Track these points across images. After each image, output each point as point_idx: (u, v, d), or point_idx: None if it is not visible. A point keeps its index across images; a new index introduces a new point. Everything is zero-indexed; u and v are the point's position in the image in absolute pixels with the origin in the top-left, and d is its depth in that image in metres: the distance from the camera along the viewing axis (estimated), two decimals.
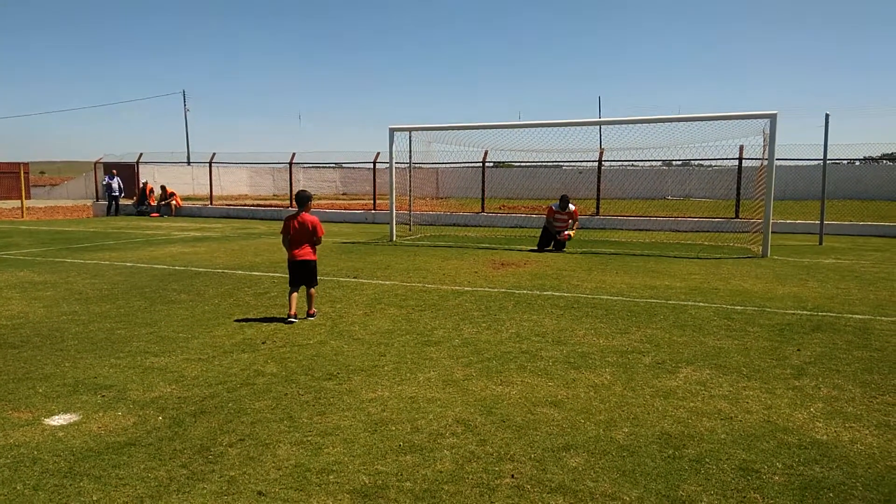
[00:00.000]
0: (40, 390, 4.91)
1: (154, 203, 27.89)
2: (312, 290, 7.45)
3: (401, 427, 4.22)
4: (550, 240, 14.52)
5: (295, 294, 7.38)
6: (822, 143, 15.35)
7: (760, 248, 13.58)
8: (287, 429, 4.19)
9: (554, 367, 5.54)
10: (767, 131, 13.75)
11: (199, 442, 3.98)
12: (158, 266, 11.58)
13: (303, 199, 7.48)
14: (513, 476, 3.55)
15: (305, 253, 7.40)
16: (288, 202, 27.46)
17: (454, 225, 21.68)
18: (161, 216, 26.79)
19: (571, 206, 14.65)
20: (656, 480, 3.51)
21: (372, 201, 26.16)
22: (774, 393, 4.92)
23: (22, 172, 28.62)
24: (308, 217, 7.38)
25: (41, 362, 5.63)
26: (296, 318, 7.21)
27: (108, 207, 27.95)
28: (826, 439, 4.06)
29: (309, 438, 4.03)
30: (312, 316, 7.37)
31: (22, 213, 26.47)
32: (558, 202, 14.70)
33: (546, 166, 32.18)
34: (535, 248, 14.58)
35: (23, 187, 27.67)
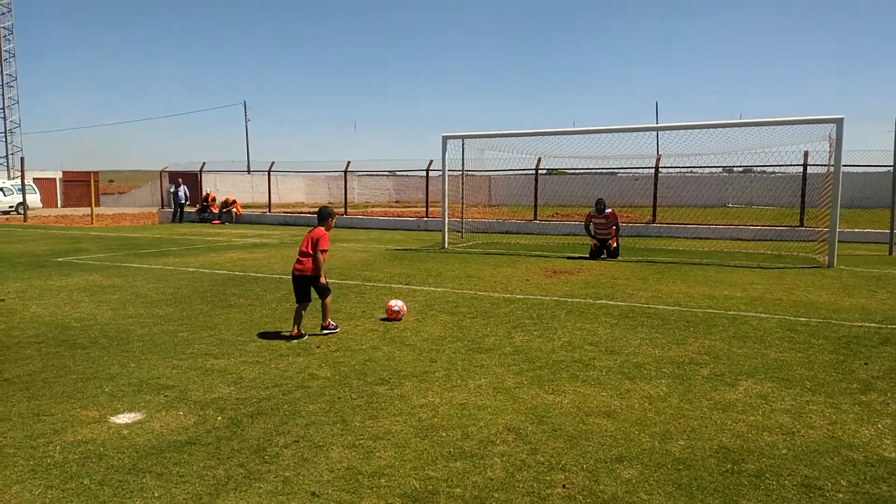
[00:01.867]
0: (107, 389, 5.12)
1: (216, 210, 28.77)
2: (325, 301, 6.95)
3: (451, 433, 4.23)
4: (602, 248, 14.32)
5: (301, 311, 6.90)
6: (893, 148, 14.69)
7: (826, 257, 13.05)
8: (340, 432, 4.25)
9: (607, 377, 5.46)
10: (833, 136, 13.25)
11: (255, 442, 4.08)
12: (219, 271, 11.94)
13: (322, 215, 7.04)
14: (564, 486, 3.51)
15: (304, 267, 6.84)
16: (342, 210, 27.93)
17: (506, 232, 21.61)
18: (222, 223, 27.62)
19: (608, 210, 14.37)
20: (713, 495, 3.41)
21: (424, 208, 26.34)
22: (840, 408, 4.72)
23: (92, 181, 29.93)
24: (317, 231, 6.88)
25: (108, 362, 5.87)
26: (300, 338, 6.75)
27: (174, 214, 28.97)
28: (894, 457, 3.88)
29: (361, 442, 4.09)
30: (328, 329, 6.98)
31: (91, 219, 27.69)
32: (594, 208, 14.48)
33: (601, 173, 31.77)
34: (588, 255, 14.40)
35: (92, 195, 28.94)
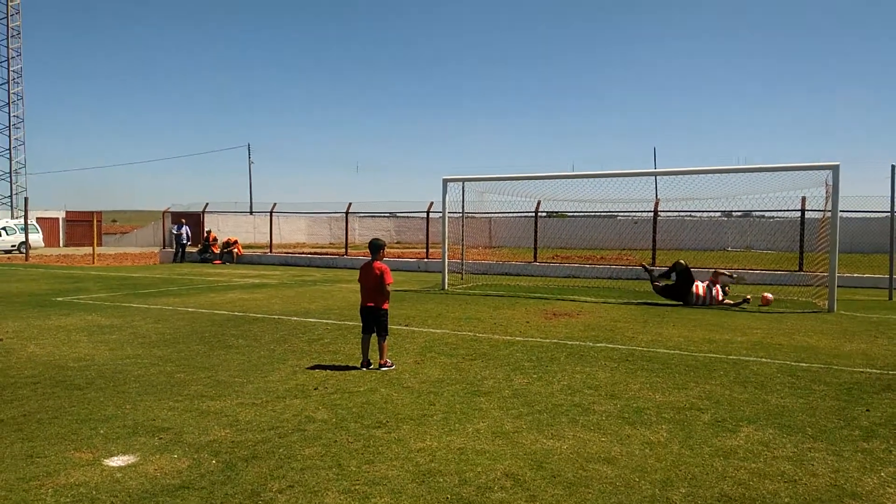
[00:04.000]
0: (101, 431, 5.07)
1: (217, 250, 28.86)
2: (383, 340, 7.41)
3: (449, 479, 4.18)
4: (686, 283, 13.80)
5: (368, 340, 7.42)
6: (889, 195, 14.82)
7: (826, 302, 13.04)
8: (335, 476, 4.20)
9: (607, 422, 5.40)
10: (830, 182, 13.38)
11: (249, 487, 4.03)
12: (218, 311, 11.92)
13: (375, 248, 7.53)
14: None
15: (373, 300, 7.38)
16: (343, 250, 28.01)
17: (506, 274, 21.63)
18: (223, 263, 27.67)
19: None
20: None
21: (425, 250, 26.41)
22: (842, 455, 4.67)
23: (95, 221, 30.12)
24: (378, 265, 7.40)
25: (104, 404, 5.83)
26: (370, 366, 7.28)
27: (175, 254, 29.05)
28: None
29: (357, 487, 4.03)
30: (384, 366, 7.27)
31: (93, 259, 27.76)
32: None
33: (600, 216, 31.96)
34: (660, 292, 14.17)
35: (95, 235, 29.12)
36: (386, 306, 7.44)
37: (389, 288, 7.41)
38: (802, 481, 4.19)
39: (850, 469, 4.41)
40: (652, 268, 15.68)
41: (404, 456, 4.58)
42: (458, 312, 12.08)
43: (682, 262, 14.19)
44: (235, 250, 28.54)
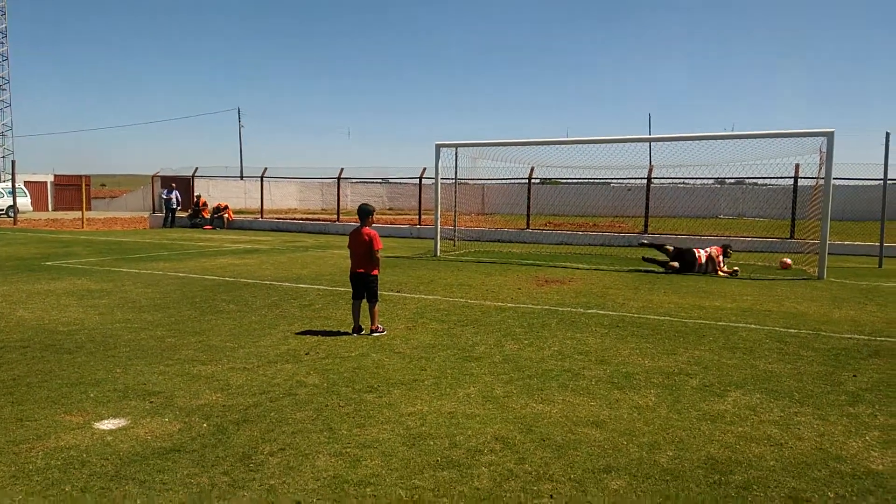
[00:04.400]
0: (92, 395, 5.07)
1: (207, 216, 28.68)
2: (373, 306, 7.38)
3: (439, 442, 4.21)
4: (688, 261, 13.58)
5: (358, 306, 7.41)
6: (883, 162, 14.82)
7: (816, 269, 13.11)
8: (326, 440, 4.22)
9: (597, 387, 5.44)
10: (824, 149, 13.34)
11: (241, 450, 4.04)
12: (209, 277, 11.88)
13: (363, 214, 7.45)
14: (551, 496, 3.49)
15: (362, 266, 7.35)
16: (335, 216, 27.89)
17: (499, 241, 21.63)
18: (214, 228, 27.52)
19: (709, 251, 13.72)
20: None
21: (417, 216, 26.34)
22: (828, 420, 4.72)
23: (83, 185, 29.80)
24: (367, 231, 7.33)
25: (94, 368, 5.82)
26: (361, 331, 7.29)
27: (165, 219, 28.84)
28: (882, 469, 3.88)
29: (348, 450, 4.05)
30: (376, 332, 7.28)
31: (82, 223, 27.55)
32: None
33: (594, 183, 31.89)
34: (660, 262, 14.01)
35: (84, 199, 28.81)
36: (375, 272, 7.40)
37: (379, 254, 7.38)
38: (788, 445, 4.24)
39: (835, 433, 4.46)
40: (652, 243, 15.33)
41: (395, 420, 4.60)
42: (450, 279, 12.08)
43: (668, 247, 14.15)
44: (226, 215, 28.35)
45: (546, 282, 11.86)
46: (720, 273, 13.46)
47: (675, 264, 13.58)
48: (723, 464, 3.93)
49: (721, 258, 13.66)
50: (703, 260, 13.56)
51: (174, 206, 28.84)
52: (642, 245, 15.57)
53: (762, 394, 5.32)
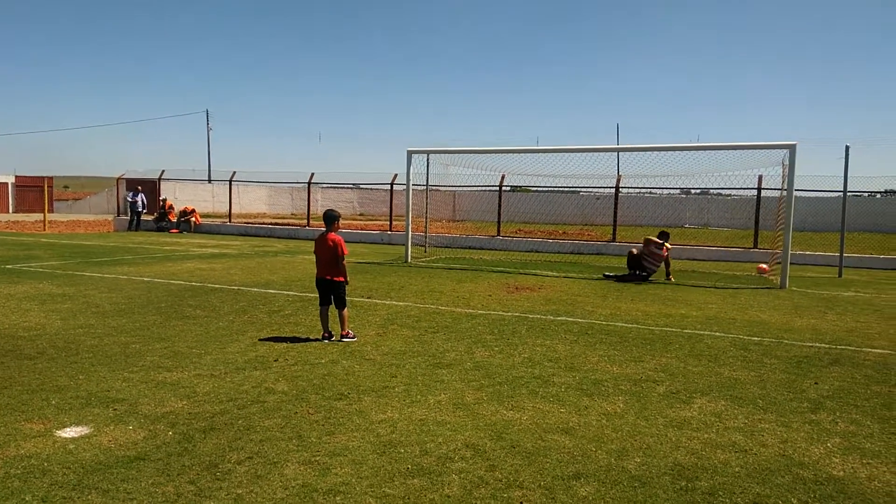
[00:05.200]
0: (53, 402, 4.94)
1: (174, 219, 28.21)
2: (342, 311, 7.34)
3: (410, 450, 4.19)
4: (637, 268, 13.78)
5: (326, 312, 7.35)
6: (843, 174, 15.24)
7: (779, 278, 13.42)
8: (295, 448, 4.17)
9: (566, 394, 5.49)
10: (787, 162, 13.68)
11: (207, 458, 3.98)
12: (175, 281, 11.68)
13: (329, 219, 7.45)
14: (521, 503, 3.50)
15: (328, 272, 7.32)
16: (305, 221, 27.67)
17: (470, 248, 21.68)
18: (180, 232, 27.08)
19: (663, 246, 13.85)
20: None
21: (388, 222, 26.27)
22: (790, 426, 4.83)
23: (46, 186, 29.10)
24: (332, 236, 7.34)
25: (55, 374, 5.67)
26: (331, 337, 7.24)
27: (130, 222, 28.29)
28: (843, 475, 3.98)
29: (317, 458, 4.02)
30: (346, 338, 7.26)
31: (44, 226, 26.88)
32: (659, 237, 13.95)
33: (563, 192, 32.18)
34: (613, 274, 14.07)
35: (45, 201, 28.14)
36: (341, 278, 7.35)
37: (345, 260, 7.37)
38: (752, 451, 4.33)
39: (798, 440, 4.57)
40: (615, 274, 15.30)
41: (365, 427, 4.58)
42: (420, 285, 12.07)
43: (632, 251, 14.30)
44: (193, 219, 27.93)
45: (516, 289, 11.93)
46: (664, 252, 13.70)
47: (636, 271, 13.82)
48: (689, 470, 3.99)
49: (658, 240, 13.79)
50: (636, 252, 13.86)
51: (140, 210, 28.31)
52: (607, 277, 15.10)
53: (727, 401, 5.41)
